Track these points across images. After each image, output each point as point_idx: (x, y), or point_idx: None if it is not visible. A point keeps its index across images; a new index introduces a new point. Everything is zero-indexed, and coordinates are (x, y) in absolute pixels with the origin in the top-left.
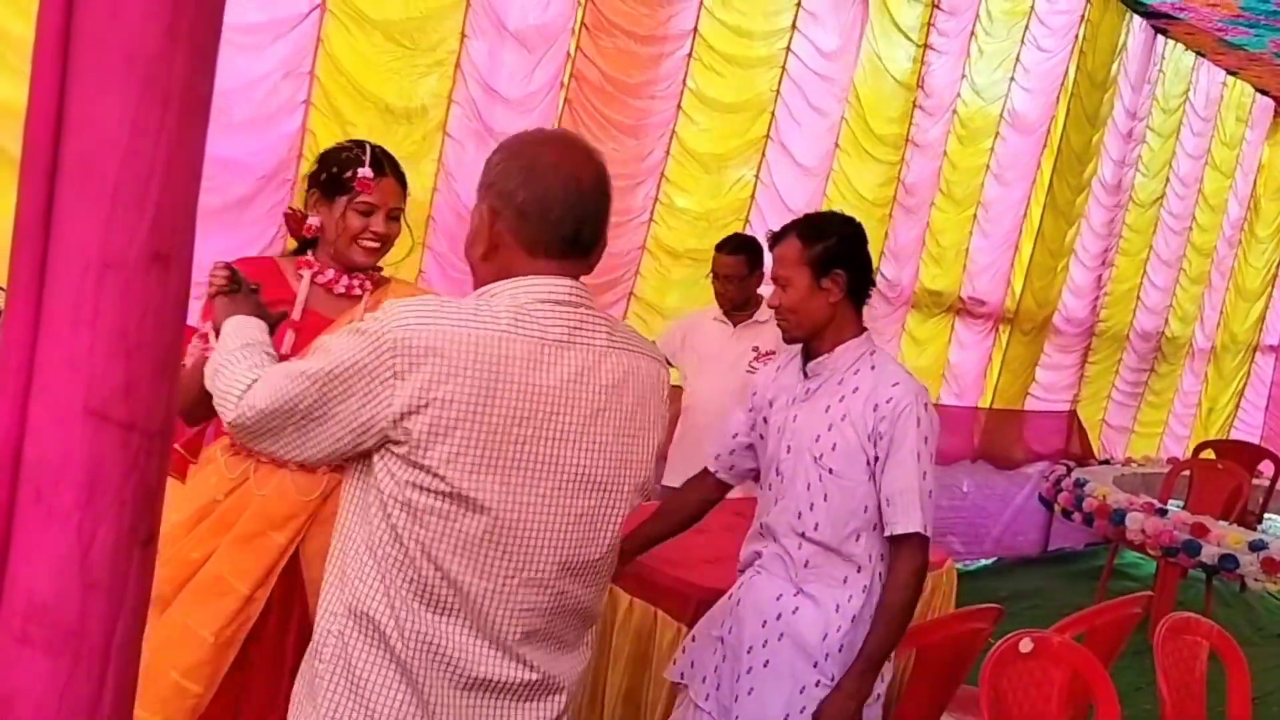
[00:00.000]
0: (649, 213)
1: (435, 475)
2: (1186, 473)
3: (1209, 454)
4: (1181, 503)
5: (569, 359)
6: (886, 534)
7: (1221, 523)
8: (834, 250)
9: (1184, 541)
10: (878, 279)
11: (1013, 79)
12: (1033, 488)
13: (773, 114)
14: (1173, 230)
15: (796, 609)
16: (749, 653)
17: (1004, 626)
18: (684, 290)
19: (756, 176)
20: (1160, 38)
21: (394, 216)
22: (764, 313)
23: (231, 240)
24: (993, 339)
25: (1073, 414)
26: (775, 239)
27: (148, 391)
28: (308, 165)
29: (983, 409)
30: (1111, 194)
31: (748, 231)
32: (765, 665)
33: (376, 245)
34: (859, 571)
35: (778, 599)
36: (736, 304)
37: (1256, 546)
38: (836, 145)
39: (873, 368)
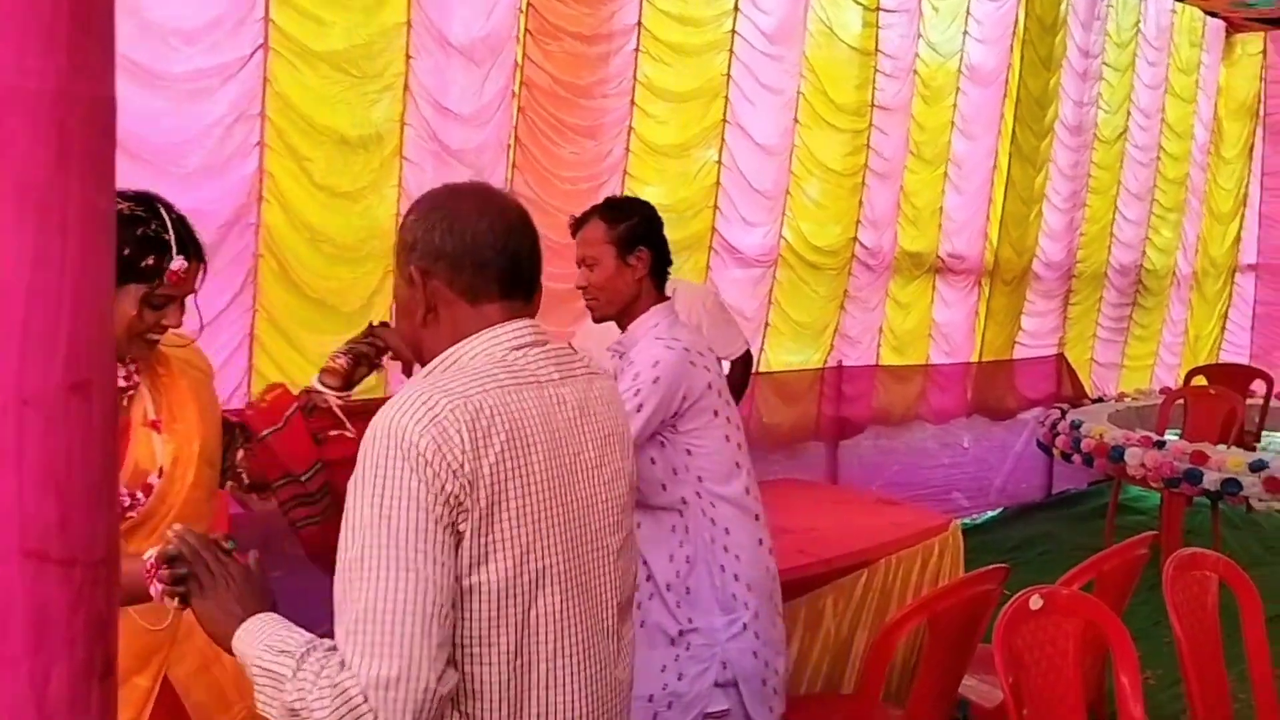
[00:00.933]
0: None
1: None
2: (1180, 401)
3: (1200, 380)
4: (1179, 432)
5: (568, 397)
6: None
7: (1220, 447)
8: (637, 229)
9: (1185, 471)
10: (857, 248)
11: (966, 32)
12: (1030, 434)
13: (726, 97)
14: (1140, 163)
15: (648, 575)
16: None
17: (1015, 575)
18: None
19: (719, 161)
20: None
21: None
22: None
23: (202, 292)
24: (976, 294)
25: (1060, 357)
26: (579, 223)
27: (83, 523)
28: (270, 208)
29: (973, 364)
30: (1075, 134)
31: (719, 218)
32: (641, 625)
33: (160, 337)
34: (681, 516)
35: None
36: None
37: (1257, 467)
38: (795, 120)
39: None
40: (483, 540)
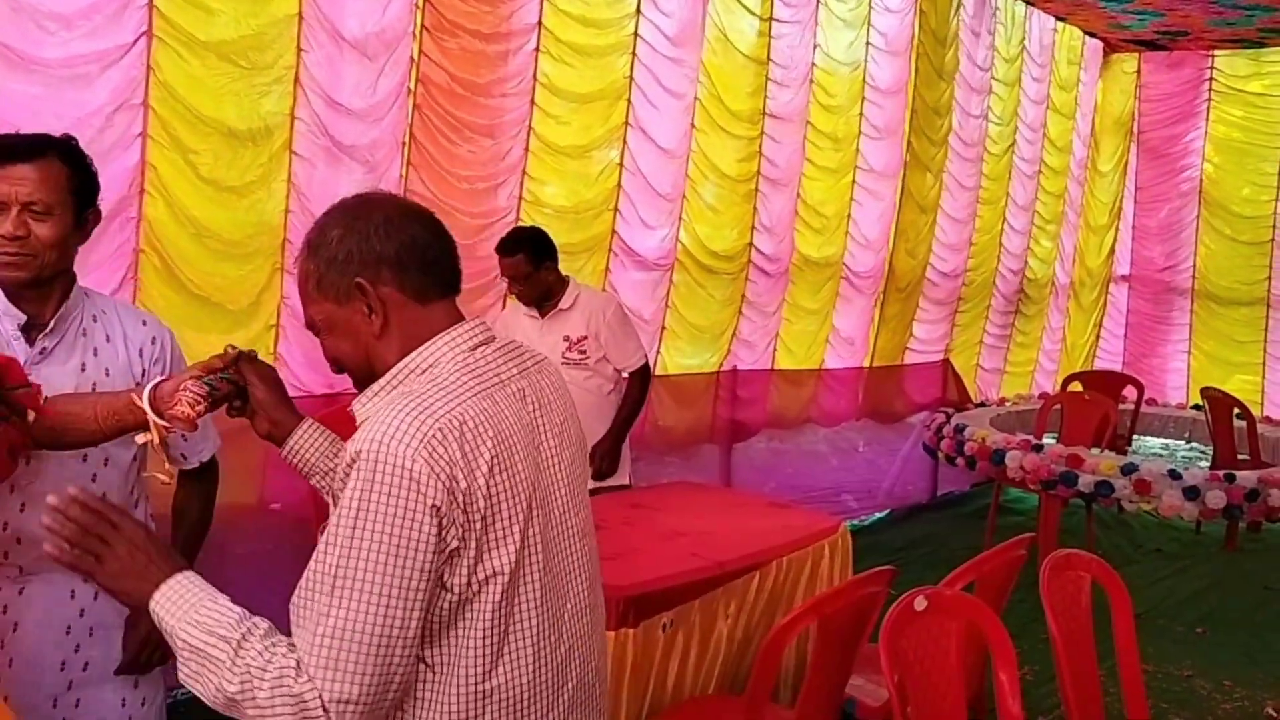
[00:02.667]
0: (515, 212)
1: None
2: (1058, 407)
3: (1076, 386)
4: (1056, 436)
5: (526, 392)
6: None
7: (1094, 451)
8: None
9: (1061, 473)
10: (753, 253)
11: (869, 44)
12: (916, 438)
13: (629, 100)
14: (1026, 175)
15: None
16: None
17: (902, 575)
18: None
19: (621, 164)
20: None
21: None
22: (568, 299)
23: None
24: (874, 300)
25: (946, 362)
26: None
27: None
28: (153, 201)
29: (865, 368)
30: (969, 146)
31: (619, 220)
32: None
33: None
34: None
35: None
36: (535, 300)
37: (1128, 470)
38: (693, 125)
39: None
40: (482, 545)
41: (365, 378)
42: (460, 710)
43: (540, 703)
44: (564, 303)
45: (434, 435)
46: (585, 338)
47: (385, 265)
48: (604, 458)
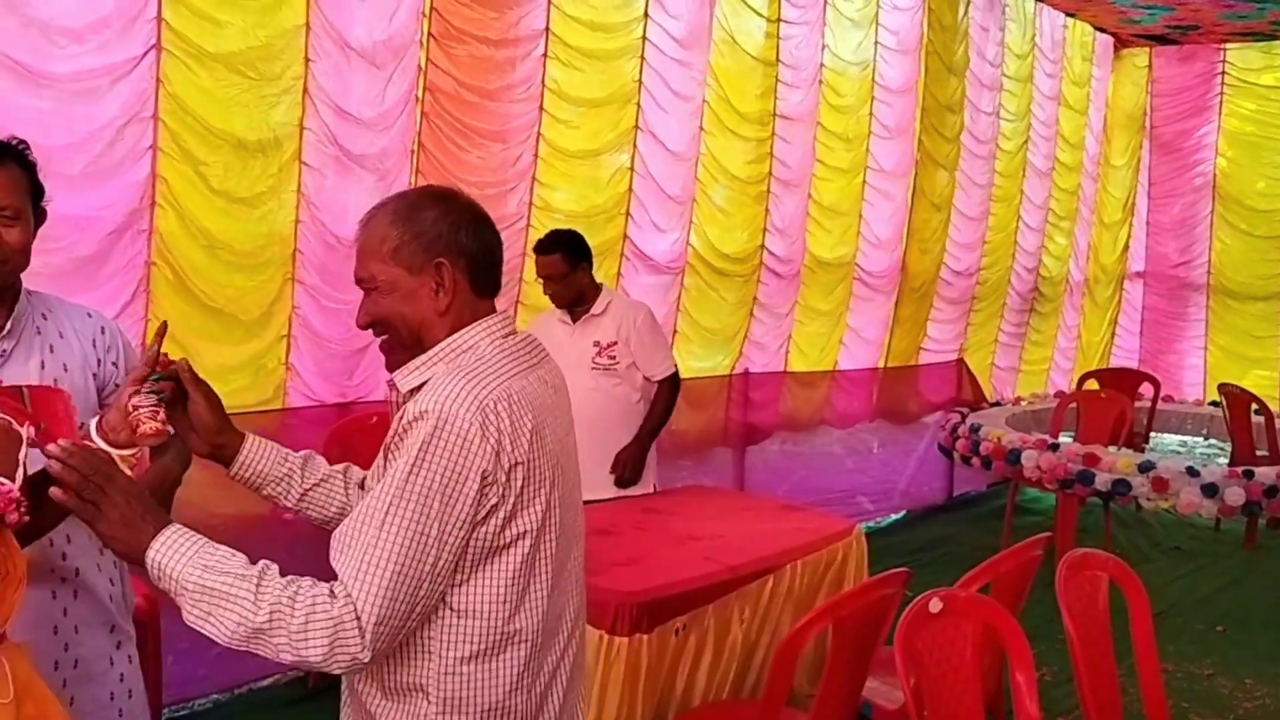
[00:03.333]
0: (526, 218)
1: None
2: (1074, 405)
3: (1092, 384)
4: (1072, 434)
5: (546, 378)
6: None
7: (1111, 449)
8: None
9: (1078, 472)
10: (765, 255)
11: (878, 43)
12: (931, 438)
13: (638, 104)
14: (1040, 172)
15: None
16: None
17: (918, 577)
18: None
19: (631, 168)
20: None
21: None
22: (600, 304)
23: (91, 300)
24: (890, 300)
25: (960, 362)
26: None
27: None
28: (164, 214)
29: (879, 369)
30: (981, 143)
31: (631, 225)
32: None
33: None
34: None
35: None
36: (569, 302)
37: (1145, 468)
38: (702, 128)
39: None
40: (518, 505)
41: (404, 343)
42: (487, 648)
43: (552, 646)
44: (596, 308)
45: (488, 404)
46: (615, 343)
47: (465, 256)
48: (626, 465)
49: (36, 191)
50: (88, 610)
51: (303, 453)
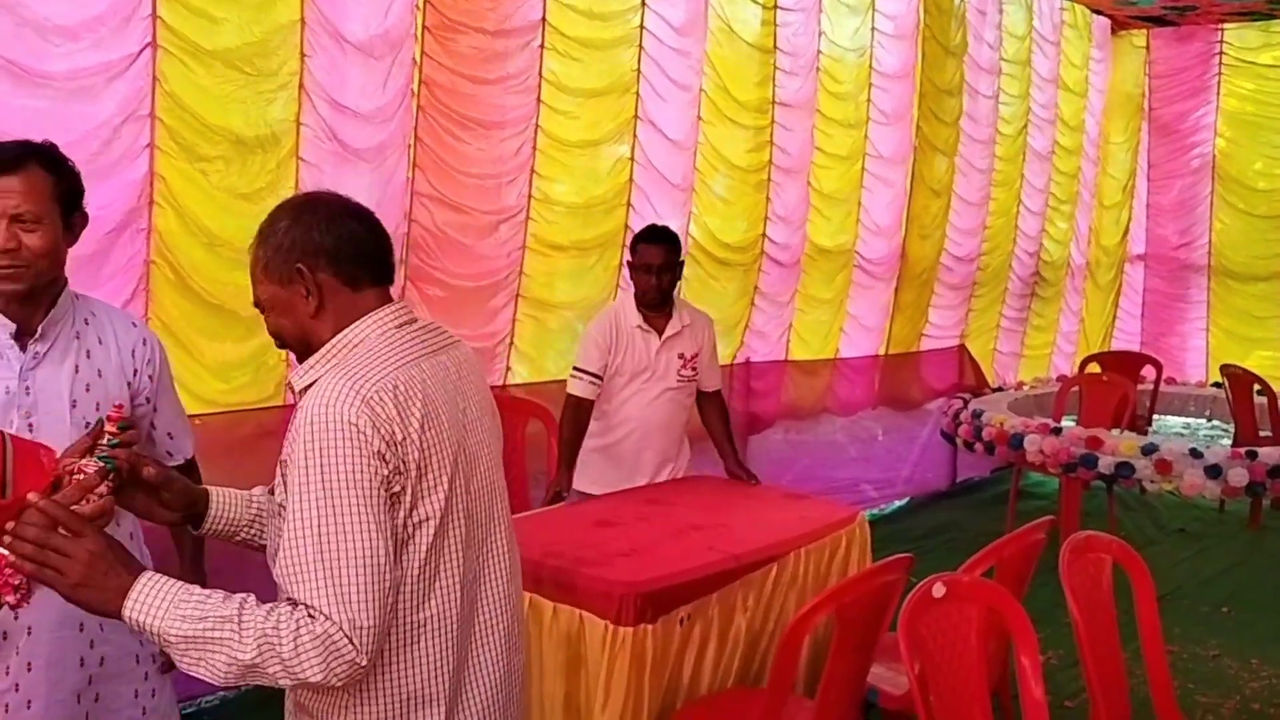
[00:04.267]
0: (525, 210)
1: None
2: (1076, 389)
3: (1094, 367)
4: (1075, 418)
5: (447, 364)
6: None
7: (1114, 432)
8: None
9: (1081, 456)
10: (766, 244)
11: (875, 29)
12: (934, 424)
13: (637, 93)
14: (1039, 155)
15: None
16: None
17: (922, 564)
18: (572, 282)
19: (632, 158)
20: None
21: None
22: (684, 316)
23: None
24: (890, 287)
25: (961, 347)
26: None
27: None
28: (162, 212)
29: (880, 356)
30: (981, 127)
31: (632, 215)
32: None
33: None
34: None
35: None
36: (662, 300)
37: (1148, 450)
38: (700, 118)
39: None
40: (417, 492)
41: (303, 351)
42: (398, 638)
43: (472, 631)
44: (683, 318)
45: (372, 396)
46: (697, 355)
47: (323, 255)
48: (745, 468)
49: (68, 195)
50: None
51: (257, 489)
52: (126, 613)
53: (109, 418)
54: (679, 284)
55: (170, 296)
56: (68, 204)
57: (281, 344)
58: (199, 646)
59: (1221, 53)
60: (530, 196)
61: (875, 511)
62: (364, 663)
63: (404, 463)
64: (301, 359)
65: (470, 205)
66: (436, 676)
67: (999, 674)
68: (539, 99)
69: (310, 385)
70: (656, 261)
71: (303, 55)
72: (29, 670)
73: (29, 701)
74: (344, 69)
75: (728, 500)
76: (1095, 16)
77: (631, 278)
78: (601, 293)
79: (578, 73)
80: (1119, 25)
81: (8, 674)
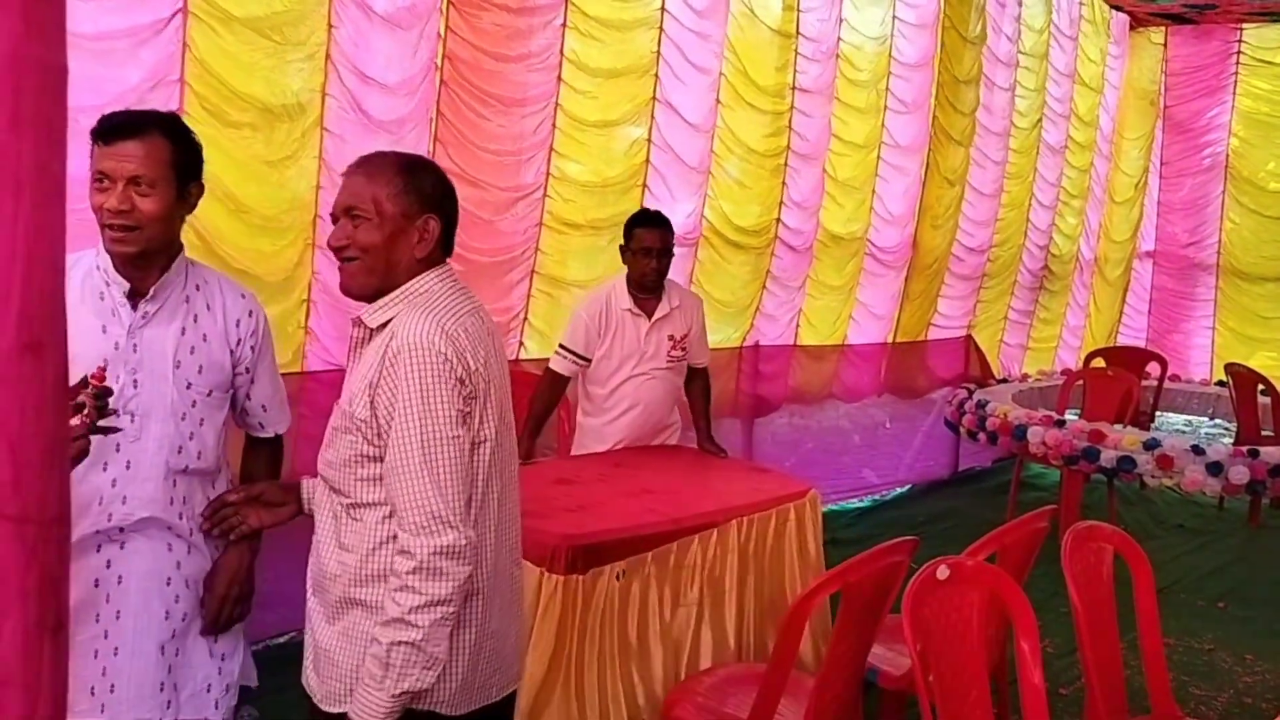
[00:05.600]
0: (543, 188)
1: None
2: (1080, 383)
3: (1099, 362)
4: (1078, 412)
5: (484, 319)
6: None
7: (1116, 426)
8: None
9: (1083, 449)
10: (780, 229)
11: (896, 17)
12: (938, 413)
13: (656, 75)
14: (1053, 149)
15: None
16: None
17: (923, 549)
18: (586, 261)
19: (649, 139)
20: None
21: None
22: (673, 298)
23: None
24: (900, 276)
25: (969, 338)
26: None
27: (36, 482)
28: None
29: (888, 344)
30: (997, 119)
31: (648, 196)
32: None
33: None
34: None
35: None
36: (657, 282)
37: (1151, 446)
38: (718, 101)
39: None
40: (482, 416)
41: (371, 269)
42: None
43: (500, 552)
44: (672, 301)
45: (451, 331)
46: (686, 335)
47: (445, 217)
48: (714, 442)
49: (186, 164)
50: (201, 569)
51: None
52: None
53: (91, 376)
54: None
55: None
56: (185, 173)
57: (346, 251)
58: (399, 679)
59: (1239, 52)
60: (548, 174)
61: (877, 497)
62: (462, 540)
63: (475, 389)
64: (368, 276)
65: (489, 181)
66: (480, 573)
67: (998, 659)
68: (559, 78)
69: (386, 323)
70: (655, 245)
71: (330, 26)
72: (117, 618)
73: (116, 649)
74: (370, 40)
75: (689, 469)
76: (1114, 12)
77: (626, 261)
78: (614, 272)
79: (598, 53)
80: (1138, 22)
81: (97, 621)
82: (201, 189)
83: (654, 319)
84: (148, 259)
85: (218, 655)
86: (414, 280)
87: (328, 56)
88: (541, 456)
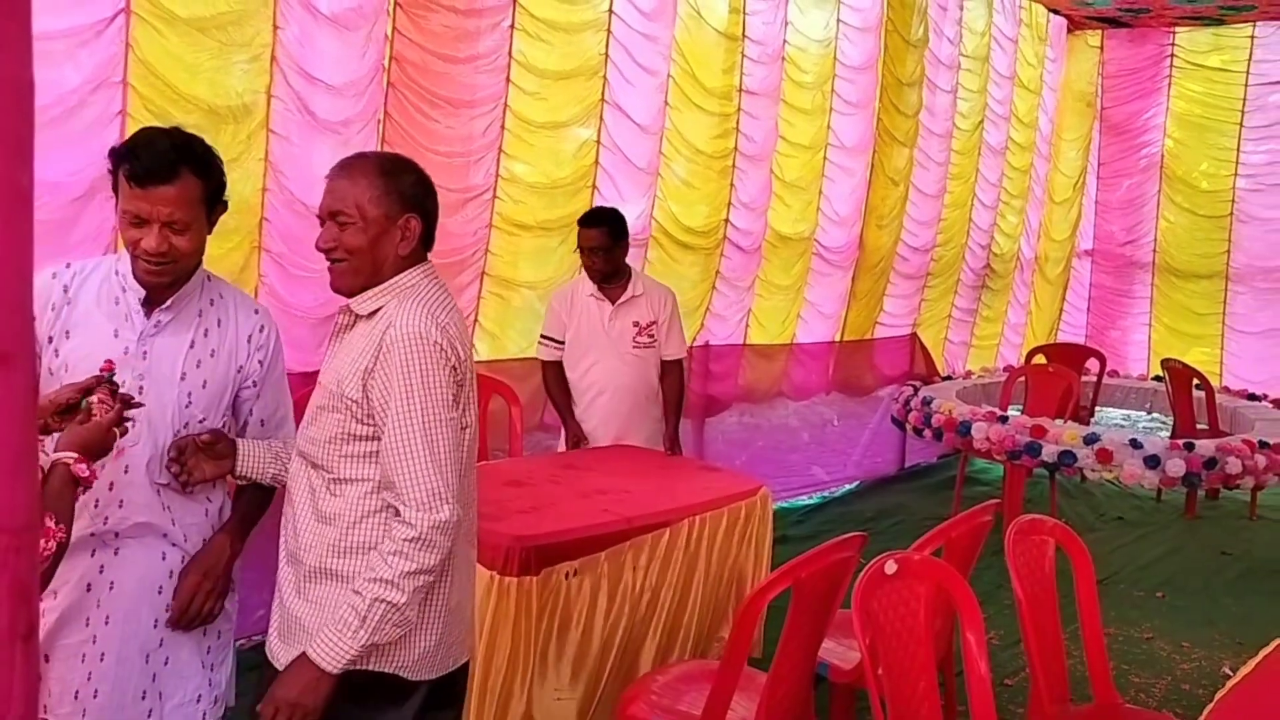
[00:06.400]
0: (492, 189)
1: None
2: (1022, 379)
3: (1040, 359)
4: (1020, 408)
5: (460, 314)
6: None
7: (1057, 422)
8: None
9: (1026, 444)
10: (729, 229)
11: (840, 20)
12: (885, 410)
13: (605, 77)
14: (994, 150)
15: None
16: None
17: (871, 545)
18: (536, 261)
19: (598, 140)
20: None
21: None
22: (636, 287)
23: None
24: (847, 275)
25: (913, 336)
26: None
27: (5, 491)
28: None
29: (836, 343)
30: (939, 120)
31: (598, 197)
32: None
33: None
34: None
35: None
36: (605, 275)
37: (1090, 440)
38: (666, 103)
39: None
40: (466, 403)
41: (358, 269)
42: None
43: (469, 531)
44: (635, 289)
45: (442, 323)
46: (654, 323)
47: (426, 217)
48: (675, 443)
49: (214, 195)
50: None
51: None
52: (327, 669)
53: (102, 368)
54: (644, 262)
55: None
56: (213, 202)
57: (334, 253)
58: (345, 630)
59: (1173, 55)
60: (498, 176)
61: (826, 494)
62: (455, 517)
63: (464, 377)
64: (355, 276)
65: (438, 183)
66: (454, 549)
67: (944, 651)
68: (508, 79)
69: (374, 311)
70: (591, 244)
71: (276, 26)
72: (106, 624)
73: (103, 654)
74: (317, 41)
75: (642, 469)
76: (1052, 16)
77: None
78: (565, 273)
79: (546, 54)
80: (1075, 25)
81: (87, 625)
82: (225, 207)
83: (617, 304)
84: (177, 281)
85: (208, 665)
86: (400, 275)
87: (273, 58)
88: (493, 457)
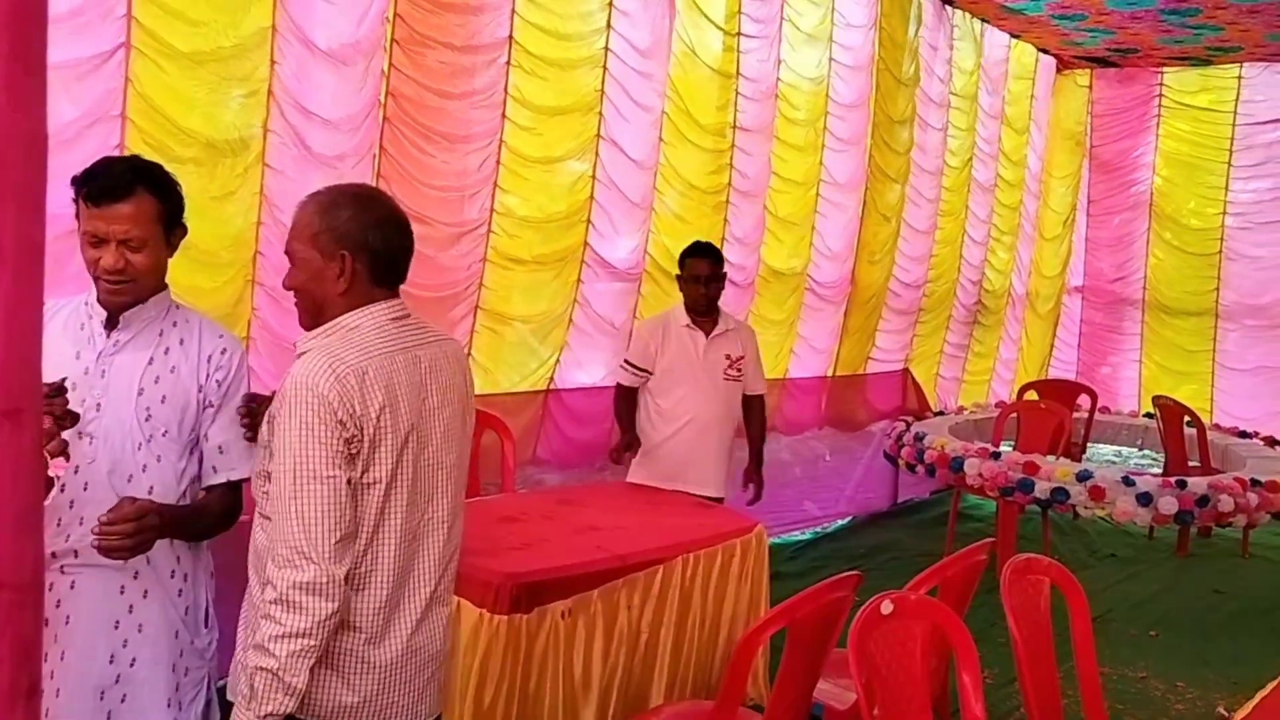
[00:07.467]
0: (487, 224)
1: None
2: (1014, 415)
3: (1032, 395)
4: (1013, 443)
5: (422, 358)
6: None
7: (1050, 458)
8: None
9: (1018, 480)
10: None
11: (832, 59)
12: (877, 446)
13: (600, 113)
14: (983, 187)
15: None
16: None
17: (865, 582)
18: (530, 296)
19: (593, 175)
20: (948, 8)
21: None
22: (728, 321)
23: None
24: (840, 310)
25: (905, 372)
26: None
27: (11, 547)
28: None
29: (828, 378)
30: (930, 158)
31: (592, 232)
32: None
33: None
34: None
35: None
36: (710, 305)
37: (1083, 477)
38: (661, 138)
39: None
40: (369, 459)
41: (312, 310)
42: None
43: (403, 589)
44: (726, 324)
45: (342, 374)
46: (742, 358)
47: (366, 252)
48: (758, 481)
49: (171, 215)
50: (158, 613)
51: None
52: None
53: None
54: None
55: None
56: (171, 222)
57: (292, 289)
58: (273, 704)
59: (1161, 95)
60: (492, 210)
61: (818, 529)
62: (324, 578)
63: (361, 431)
64: (305, 315)
65: (433, 217)
66: (364, 608)
67: (939, 690)
68: (504, 115)
69: (305, 352)
70: (702, 273)
71: (273, 61)
72: (61, 659)
73: (58, 690)
74: (313, 75)
75: (636, 506)
76: (1041, 55)
77: (681, 289)
78: (558, 307)
79: (542, 90)
80: (1064, 65)
81: (45, 660)
82: (185, 231)
83: (711, 336)
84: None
85: (175, 704)
86: (345, 316)
87: (270, 92)
88: (484, 493)
